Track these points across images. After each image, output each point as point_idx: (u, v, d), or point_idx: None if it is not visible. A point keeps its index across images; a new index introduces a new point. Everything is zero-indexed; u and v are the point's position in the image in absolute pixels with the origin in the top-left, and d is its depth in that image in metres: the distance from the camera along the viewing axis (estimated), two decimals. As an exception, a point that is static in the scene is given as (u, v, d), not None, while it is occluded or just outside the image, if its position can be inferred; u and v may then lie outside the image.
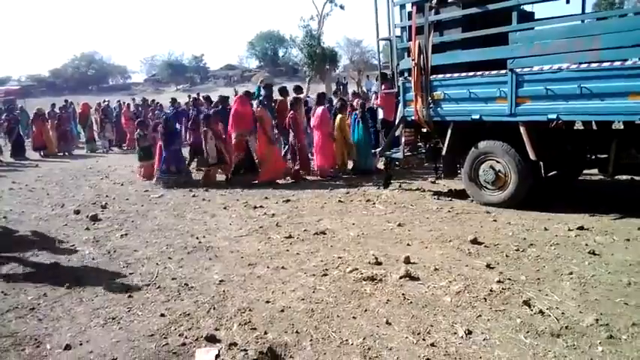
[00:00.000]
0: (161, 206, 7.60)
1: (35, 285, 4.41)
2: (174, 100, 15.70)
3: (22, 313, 3.87)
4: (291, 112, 9.47)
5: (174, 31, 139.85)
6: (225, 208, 7.31)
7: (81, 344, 3.36)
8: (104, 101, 19.17)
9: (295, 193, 8.21)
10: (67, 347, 3.31)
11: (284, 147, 10.32)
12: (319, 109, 9.72)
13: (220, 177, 9.68)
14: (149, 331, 3.50)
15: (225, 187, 8.93)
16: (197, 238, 5.76)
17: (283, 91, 10.49)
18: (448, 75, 6.79)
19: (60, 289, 4.32)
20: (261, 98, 10.36)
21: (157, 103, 19.09)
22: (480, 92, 6.43)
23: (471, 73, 6.50)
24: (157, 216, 6.93)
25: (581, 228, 5.31)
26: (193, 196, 8.29)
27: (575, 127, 7.07)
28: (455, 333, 3.22)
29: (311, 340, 3.25)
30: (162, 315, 3.74)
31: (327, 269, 4.51)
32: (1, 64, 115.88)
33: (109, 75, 67.73)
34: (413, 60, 6.97)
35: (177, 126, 11.99)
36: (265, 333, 3.37)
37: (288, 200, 7.57)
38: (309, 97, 14.83)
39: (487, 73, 6.32)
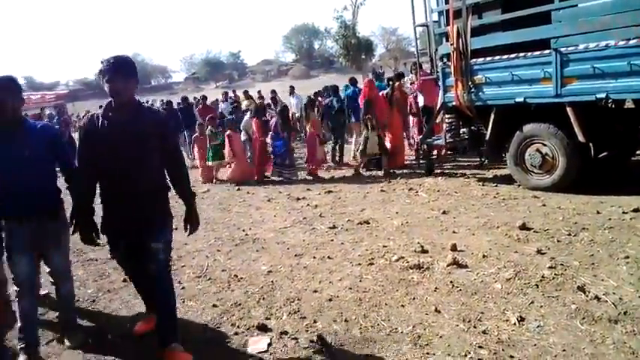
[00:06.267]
0: (207, 200, 7.79)
1: (94, 279, 4.63)
2: (248, 96, 15.53)
3: (84, 306, 4.08)
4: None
5: (212, 29, 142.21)
6: (269, 200, 7.43)
7: (140, 334, 3.50)
8: (146, 101, 19.73)
9: (336, 184, 8.23)
10: (126, 337, 3.47)
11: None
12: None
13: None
14: (203, 321, 3.62)
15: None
16: (244, 230, 5.88)
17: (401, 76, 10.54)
18: (489, 58, 6.63)
19: (117, 282, 4.51)
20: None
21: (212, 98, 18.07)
22: (523, 74, 6.25)
23: (513, 55, 6.32)
24: (205, 210, 7.10)
25: (636, 210, 5.09)
26: (238, 189, 8.46)
27: (625, 106, 6.77)
28: (507, 320, 3.17)
29: (360, 328, 3.28)
30: (215, 305, 3.85)
31: (372, 258, 4.51)
32: (50, 69, 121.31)
33: (150, 75, 69.60)
34: (452, 44, 6.85)
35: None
36: (315, 322, 3.43)
37: (330, 191, 7.61)
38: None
39: (530, 54, 6.13)
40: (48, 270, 3.38)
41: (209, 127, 9.72)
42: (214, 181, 9.54)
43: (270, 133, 9.06)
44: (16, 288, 3.11)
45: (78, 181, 3.13)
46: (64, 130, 16.30)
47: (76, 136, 17.33)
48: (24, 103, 3.25)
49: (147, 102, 19.57)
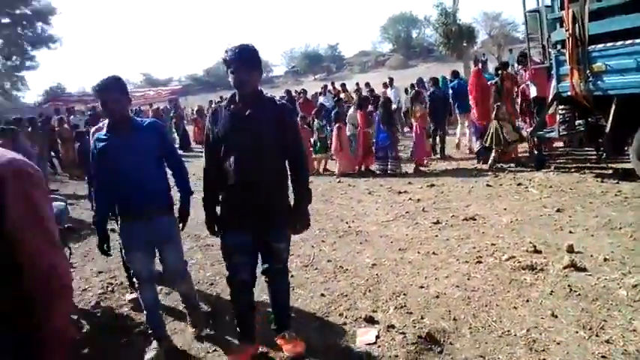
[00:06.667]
0: (310, 192, 8.00)
1: (212, 263, 4.98)
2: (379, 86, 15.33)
3: (203, 288, 4.43)
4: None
5: (310, 23, 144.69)
6: (370, 193, 7.48)
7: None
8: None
9: (438, 177, 8.08)
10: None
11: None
12: None
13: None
14: (312, 309, 3.78)
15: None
16: (347, 222, 5.99)
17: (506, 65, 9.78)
18: (610, 44, 6.13)
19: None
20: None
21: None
22: (651, 60, 5.70)
23: (639, 40, 5.76)
24: (308, 201, 7.30)
25: None
26: (339, 182, 8.62)
27: None
28: (634, 330, 2.94)
29: (470, 328, 3.23)
30: (322, 295, 3.99)
31: (480, 256, 4.40)
32: (165, 66, 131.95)
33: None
34: (567, 30, 6.43)
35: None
36: (422, 318, 3.42)
37: (432, 185, 7.49)
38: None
39: (660, 38, 5.56)
40: (162, 270, 3.50)
41: (316, 120, 9.99)
42: (316, 172, 9.74)
43: (374, 125, 9.09)
44: (136, 280, 3.37)
45: (204, 173, 3.07)
46: (179, 123, 17.66)
47: (189, 128, 18.59)
48: (131, 102, 3.32)
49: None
